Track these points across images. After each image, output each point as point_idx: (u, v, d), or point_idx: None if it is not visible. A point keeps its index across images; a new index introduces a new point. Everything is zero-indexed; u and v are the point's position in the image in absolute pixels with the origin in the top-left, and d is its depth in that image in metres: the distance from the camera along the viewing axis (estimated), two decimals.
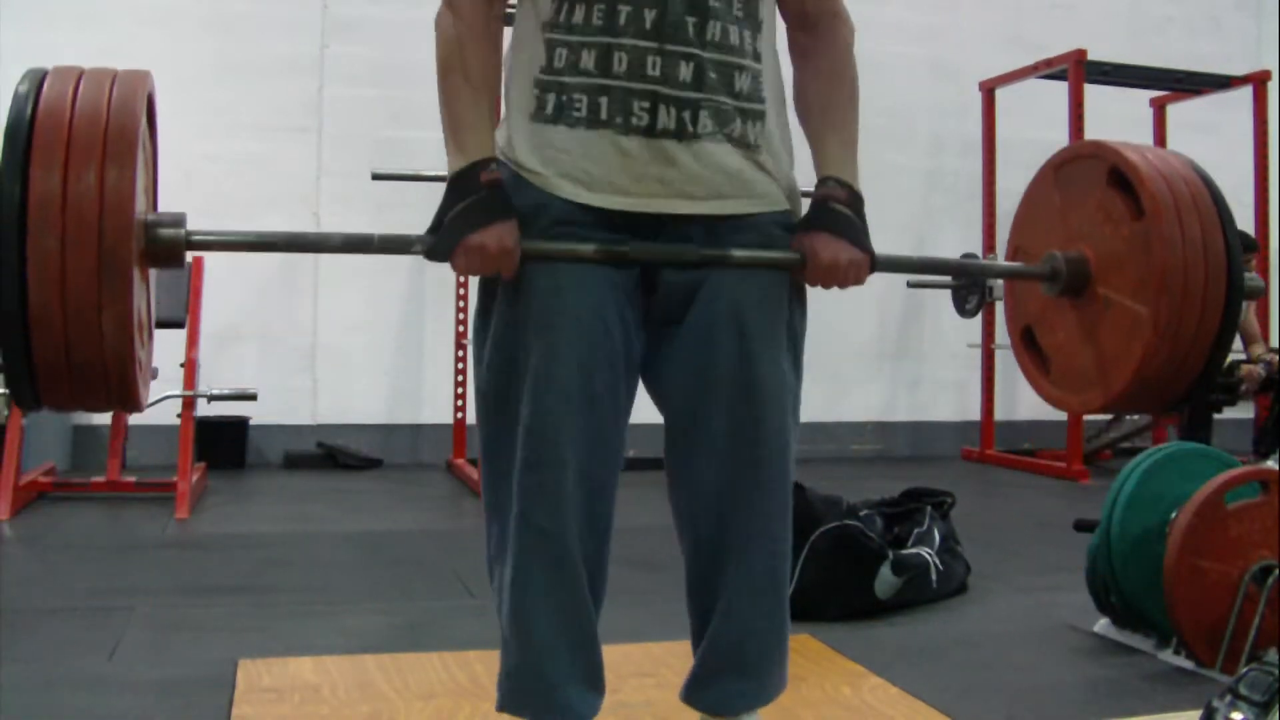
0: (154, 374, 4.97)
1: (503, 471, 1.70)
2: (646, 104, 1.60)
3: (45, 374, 1.32)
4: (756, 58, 1.67)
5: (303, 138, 6.00)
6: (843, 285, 1.68)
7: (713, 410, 1.68)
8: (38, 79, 1.38)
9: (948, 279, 6.61)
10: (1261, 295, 1.90)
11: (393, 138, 5.98)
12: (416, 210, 6.30)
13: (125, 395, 1.38)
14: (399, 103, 6.06)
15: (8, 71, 5.97)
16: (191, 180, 5.72)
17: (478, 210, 1.55)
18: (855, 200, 1.68)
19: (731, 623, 1.75)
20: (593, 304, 1.61)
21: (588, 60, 1.60)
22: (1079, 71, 5.97)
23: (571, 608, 1.69)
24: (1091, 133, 5.99)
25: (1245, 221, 6.32)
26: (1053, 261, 1.81)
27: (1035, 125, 6.63)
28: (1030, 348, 1.95)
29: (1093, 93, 6.11)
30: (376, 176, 5.24)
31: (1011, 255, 1.97)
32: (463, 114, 1.61)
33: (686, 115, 1.61)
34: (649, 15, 1.59)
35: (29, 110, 1.32)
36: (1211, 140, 7.07)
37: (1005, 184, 6.63)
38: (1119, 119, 6.71)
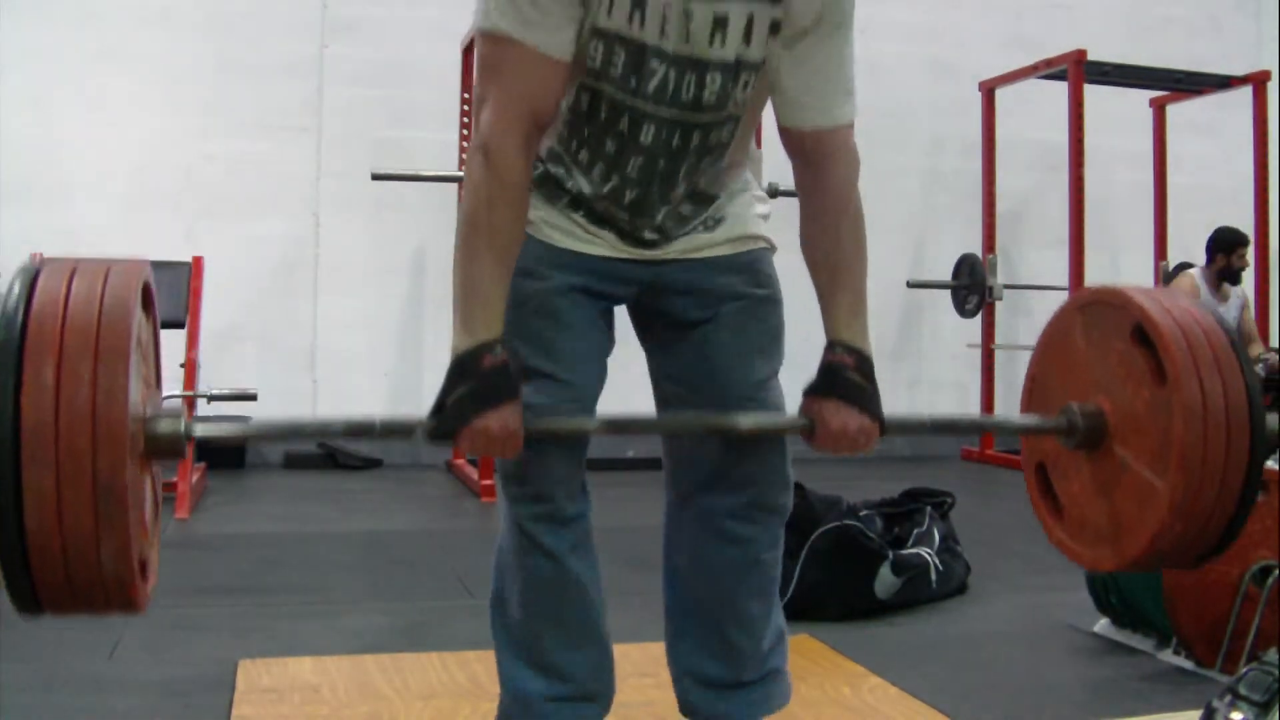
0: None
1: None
2: (614, 232, 1.72)
3: (47, 595, 1.36)
4: (716, 184, 1.75)
5: (303, 138, 6.00)
6: (851, 453, 1.68)
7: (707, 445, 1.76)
8: (29, 280, 1.39)
9: (947, 279, 6.63)
10: None
11: (392, 138, 5.98)
12: (416, 211, 6.37)
13: (127, 607, 1.42)
14: (399, 103, 6.06)
15: (8, 71, 6.00)
16: (191, 180, 5.73)
17: (479, 395, 1.53)
18: (865, 365, 1.67)
19: (726, 638, 1.78)
20: (589, 342, 1.72)
21: (574, 187, 1.69)
22: (1079, 71, 5.96)
23: (581, 628, 1.74)
24: (1091, 133, 5.99)
25: (1245, 221, 6.32)
26: (1069, 415, 1.81)
27: (1035, 125, 6.65)
28: (1044, 487, 1.95)
29: (1093, 93, 6.11)
30: (376, 176, 5.24)
31: (1028, 387, 1.97)
32: (479, 284, 1.57)
33: (649, 244, 1.73)
34: (629, 194, 1.67)
35: (18, 327, 1.33)
36: (1211, 140, 7.08)
37: (1005, 184, 6.64)
38: (1119, 119, 6.72)
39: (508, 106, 1.54)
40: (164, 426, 1.48)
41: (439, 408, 1.54)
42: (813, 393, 1.67)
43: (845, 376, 1.65)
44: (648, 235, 1.72)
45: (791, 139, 1.67)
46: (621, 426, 1.70)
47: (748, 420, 1.68)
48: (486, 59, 1.57)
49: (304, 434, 1.62)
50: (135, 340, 1.37)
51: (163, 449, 1.48)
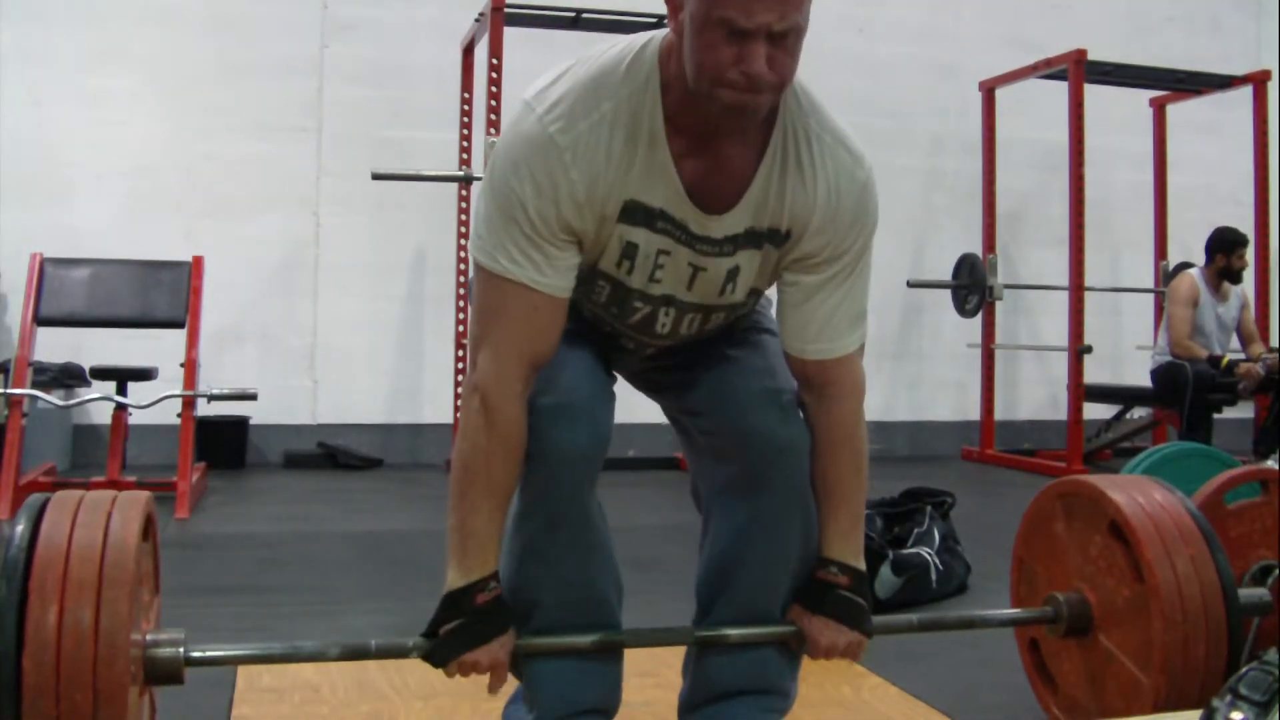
0: (154, 374, 4.96)
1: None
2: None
3: None
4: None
5: (303, 138, 6.00)
6: (840, 658, 1.74)
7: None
8: (34, 521, 1.40)
9: (947, 279, 6.63)
10: (1270, 613, 1.95)
11: (392, 138, 5.98)
12: (416, 210, 6.37)
13: None
14: (399, 103, 6.06)
15: (8, 71, 6.01)
16: (191, 180, 5.73)
17: (470, 631, 1.61)
18: (858, 582, 1.71)
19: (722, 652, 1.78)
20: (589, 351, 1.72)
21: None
22: (1079, 71, 5.96)
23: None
24: (1092, 133, 5.99)
25: (1245, 221, 6.33)
26: (1055, 604, 1.90)
27: (1035, 125, 6.65)
28: (1037, 664, 2.02)
29: (1093, 93, 6.11)
30: (376, 176, 5.25)
31: (1016, 569, 2.05)
32: (475, 528, 1.59)
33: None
34: (627, 344, 1.72)
35: (21, 573, 1.35)
36: (1211, 140, 7.08)
37: (1005, 184, 6.64)
38: (1119, 119, 6.72)
39: (509, 351, 1.54)
40: (164, 653, 1.51)
41: (432, 633, 1.63)
42: (803, 605, 1.71)
43: (837, 595, 1.69)
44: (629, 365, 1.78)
45: (794, 364, 1.67)
46: (616, 644, 1.74)
47: (736, 632, 1.72)
48: (487, 300, 1.55)
49: (299, 658, 1.71)
50: (136, 581, 1.39)
51: (162, 675, 1.52)
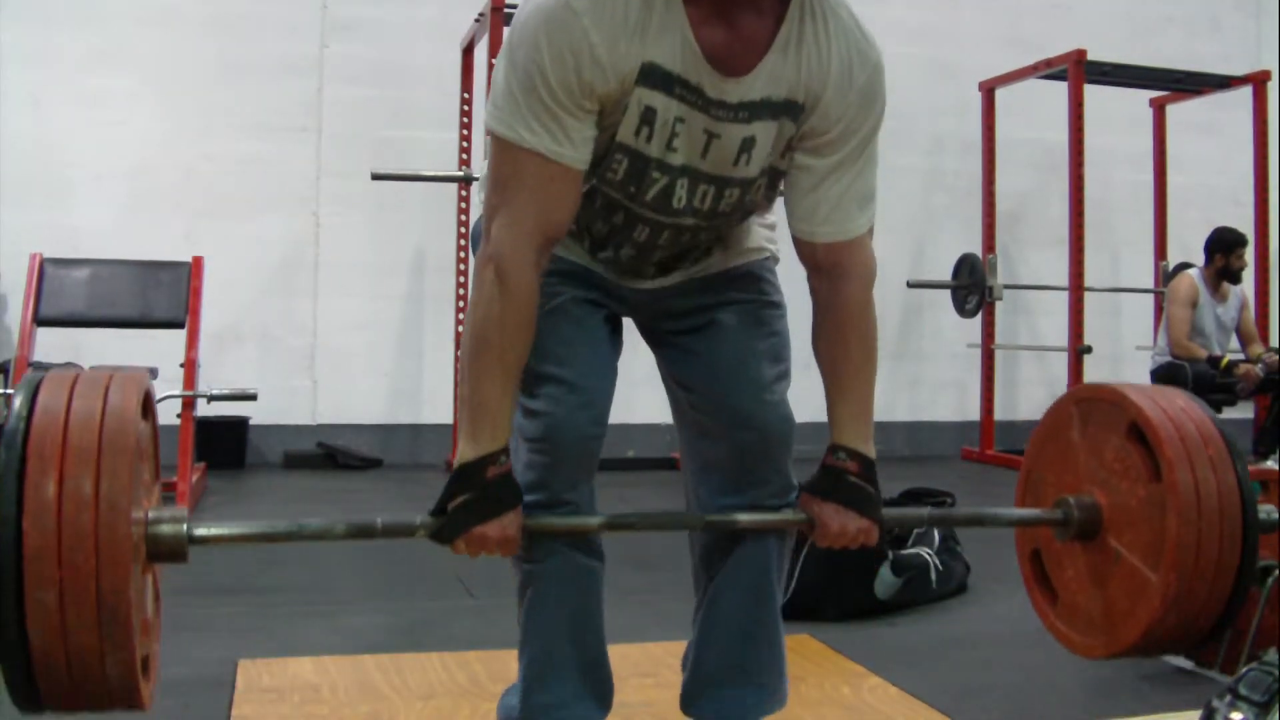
0: (154, 374, 4.96)
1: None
2: (615, 277, 1.75)
3: (52, 700, 1.38)
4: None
5: (303, 138, 6.00)
6: (851, 548, 1.71)
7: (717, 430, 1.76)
8: (30, 394, 1.39)
9: (947, 279, 6.63)
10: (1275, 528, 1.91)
11: (392, 138, 5.98)
12: (416, 210, 6.37)
13: (131, 706, 1.44)
14: (399, 103, 6.06)
15: (8, 71, 6.00)
16: (191, 180, 5.73)
17: (481, 505, 1.58)
18: (868, 469, 1.69)
19: (720, 633, 1.79)
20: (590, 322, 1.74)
21: (563, 246, 1.69)
22: (1079, 71, 5.97)
23: (584, 622, 1.73)
24: (1091, 133, 5.99)
25: (1245, 221, 6.33)
26: (1065, 507, 1.84)
27: (1035, 125, 6.65)
28: (1038, 575, 1.98)
29: (1093, 93, 6.11)
30: (376, 176, 5.24)
31: (1024, 480, 2.00)
32: (487, 399, 1.58)
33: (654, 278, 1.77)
34: (624, 261, 1.71)
35: (20, 444, 1.34)
36: (1211, 140, 7.08)
37: (1005, 184, 6.64)
38: (1119, 119, 6.72)
39: (524, 220, 1.53)
40: (166, 530, 1.50)
41: (441, 509, 1.60)
42: (813, 492, 1.69)
43: (847, 481, 1.67)
44: (628, 294, 1.77)
45: (804, 249, 1.66)
46: (622, 525, 1.72)
47: (746, 517, 1.71)
48: (502, 168, 1.55)
49: (301, 536, 1.69)
50: (136, 453, 1.39)
51: (165, 553, 1.50)
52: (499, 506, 1.58)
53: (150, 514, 1.49)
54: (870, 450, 1.69)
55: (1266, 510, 1.79)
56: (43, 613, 1.30)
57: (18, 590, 1.29)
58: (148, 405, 1.53)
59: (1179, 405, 1.78)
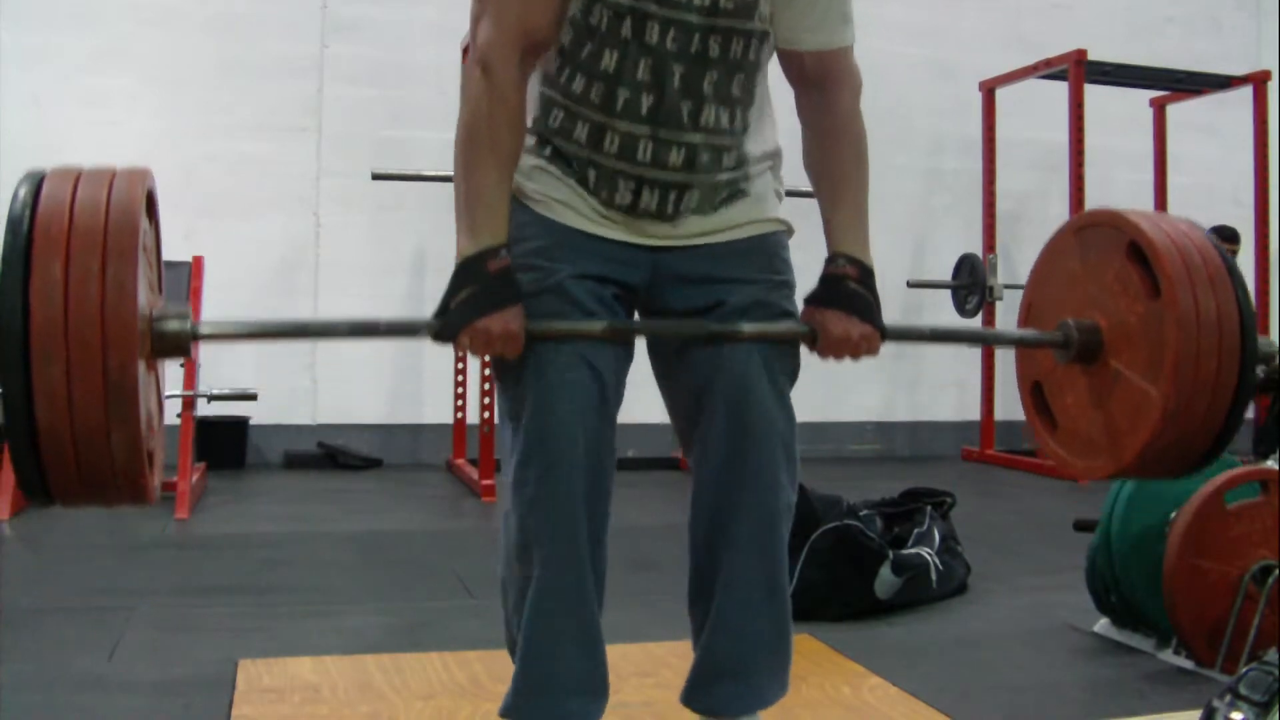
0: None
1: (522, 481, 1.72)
2: (632, 186, 1.67)
3: (58, 486, 1.37)
4: (746, 127, 1.72)
5: (303, 138, 6.00)
6: (854, 357, 1.70)
7: (713, 418, 1.72)
8: (35, 185, 1.39)
9: (947, 279, 6.63)
10: (1274, 359, 1.89)
11: (393, 138, 5.98)
12: (416, 210, 6.36)
13: (137, 497, 1.44)
14: (399, 103, 6.06)
15: (8, 71, 5.99)
16: (191, 180, 5.73)
17: (482, 298, 1.56)
18: (866, 276, 1.69)
19: (728, 626, 1.76)
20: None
21: (580, 132, 1.66)
22: (1079, 71, 5.96)
23: (581, 615, 1.72)
24: (1092, 133, 5.99)
25: (1245, 221, 6.33)
26: (1065, 330, 1.82)
27: (1035, 125, 6.65)
28: (1039, 405, 1.96)
29: (1093, 93, 6.11)
30: (376, 176, 5.24)
31: (1025, 311, 1.98)
32: (483, 192, 1.59)
33: (671, 197, 1.69)
34: (646, 101, 1.64)
35: (25, 228, 1.34)
36: (1211, 140, 7.08)
37: (1005, 184, 6.64)
38: (1119, 119, 6.72)
39: (505, 23, 1.57)
40: (171, 325, 1.49)
41: (443, 309, 1.57)
42: (814, 302, 1.68)
43: (846, 287, 1.67)
44: (673, 159, 1.66)
45: (792, 62, 1.69)
46: (624, 331, 1.69)
47: (751, 327, 1.68)
48: None
49: (308, 333, 1.65)
50: (141, 246, 1.38)
51: (169, 347, 1.49)
52: (500, 299, 1.57)
53: (155, 311, 1.49)
54: (868, 258, 1.69)
55: (1266, 341, 1.79)
56: (49, 388, 1.29)
57: (25, 366, 1.28)
58: (151, 204, 1.54)
59: (1180, 228, 1.77)
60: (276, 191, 5.91)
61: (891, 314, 6.33)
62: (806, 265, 1.75)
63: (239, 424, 5.76)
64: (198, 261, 4.81)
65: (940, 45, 6.79)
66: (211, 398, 4.60)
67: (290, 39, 5.97)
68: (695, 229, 1.72)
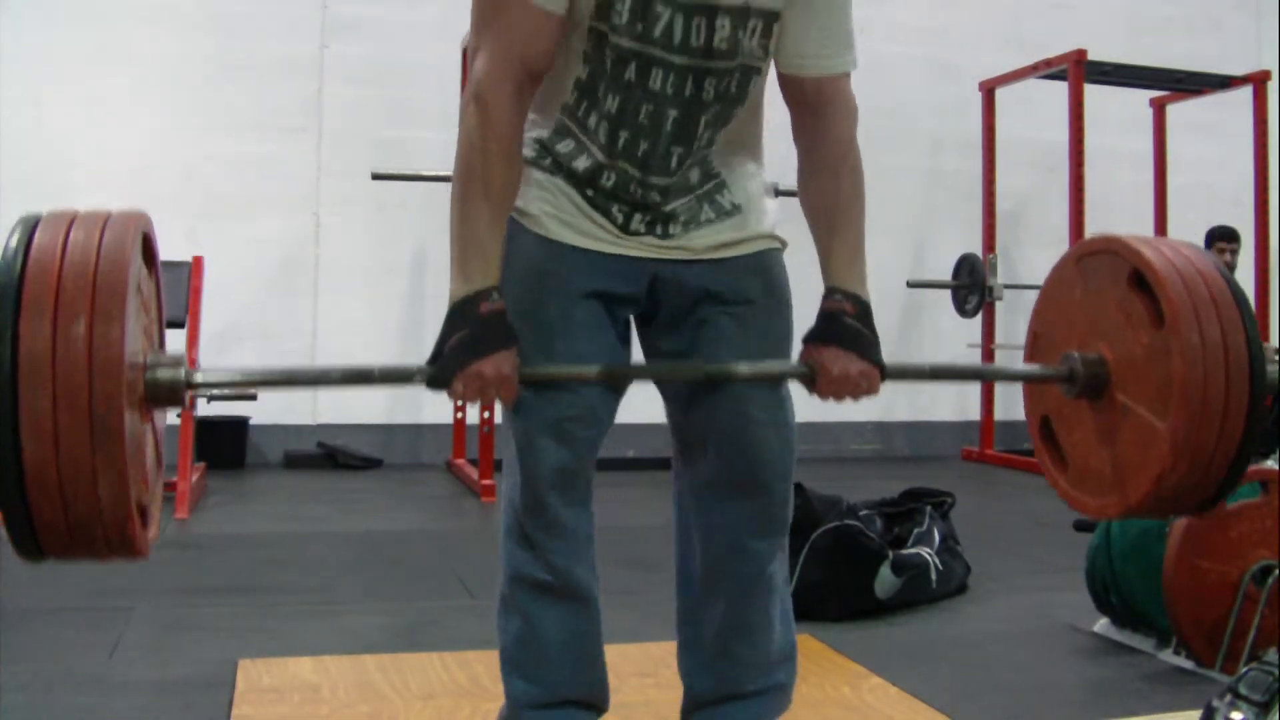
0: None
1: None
2: (625, 208, 1.69)
3: (47, 534, 1.35)
4: (737, 152, 1.74)
5: (303, 138, 6.00)
6: (854, 397, 1.68)
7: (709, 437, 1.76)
8: (29, 228, 1.40)
9: (947, 279, 6.63)
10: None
11: (393, 138, 5.98)
12: (416, 211, 6.36)
13: (126, 549, 1.40)
14: (399, 103, 6.06)
15: (8, 71, 5.99)
16: (191, 180, 5.73)
17: (475, 342, 1.55)
18: (863, 312, 1.67)
19: (710, 667, 1.79)
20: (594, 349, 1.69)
21: (583, 163, 1.67)
22: (1079, 71, 5.96)
23: (583, 629, 1.73)
24: (1091, 133, 5.99)
25: (1245, 221, 6.33)
26: (1070, 363, 1.80)
27: (1035, 125, 6.65)
28: (1048, 440, 1.95)
29: (1093, 93, 6.11)
30: (376, 176, 5.24)
31: (1030, 343, 1.97)
32: (475, 233, 1.58)
33: (659, 224, 1.70)
34: (642, 145, 1.65)
35: (18, 264, 1.35)
36: (1211, 140, 7.08)
37: (1005, 184, 6.64)
38: (1119, 119, 6.72)
39: (502, 58, 1.56)
40: (164, 374, 1.49)
41: (437, 354, 1.57)
42: (812, 340, 1.67)
43: (844, 323, 1.65)
44: (654, 198, 1.69)
45: (792, 87, 1.68)
46: (619, 374, 1.70)
47: (747, 367, 1.68)
48: (483, 8, 1.59)
49: (301, 380, 1.66)
50: (133, 286, 1.38)
51: (163, 396, 1.49)
52: (493, 343, 1.56)
53: (149, 359, 1.49)
54: (865, 293, 1.68)
55: (1274, 369, 1.75)
56: (36, 424, 1.28)
57: (13, 399, 1.27)
58: (149, 249, 1.54)
59: (1184, 254, 1.74)
60: (276, 191, 5.92)
61: (892, 314, 6.33)
62: (802, 267, 1.76)
63: (239, 424, 5.76)
64: (198, 261, 4.81)
65: (940, 45, 6.80)
66: (212, 397, 4.60)
67: (290, 39, 5.97)
68: (695, 243, 1.72)
